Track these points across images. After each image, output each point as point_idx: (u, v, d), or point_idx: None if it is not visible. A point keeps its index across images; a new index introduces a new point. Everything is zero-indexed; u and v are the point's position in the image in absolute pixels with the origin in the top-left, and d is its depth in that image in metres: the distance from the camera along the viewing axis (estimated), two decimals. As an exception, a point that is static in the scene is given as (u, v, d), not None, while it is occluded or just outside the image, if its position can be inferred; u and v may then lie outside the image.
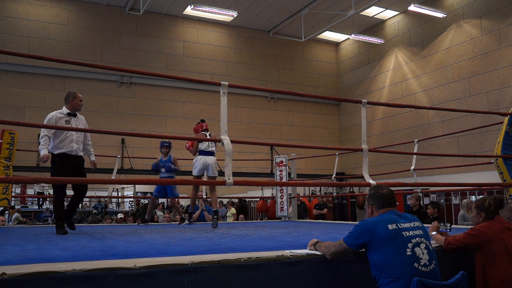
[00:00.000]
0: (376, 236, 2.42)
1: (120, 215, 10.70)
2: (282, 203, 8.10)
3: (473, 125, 10.98)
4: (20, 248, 3.08)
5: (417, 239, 2.44)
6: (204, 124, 6.39)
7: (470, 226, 3.77)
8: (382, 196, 2.65)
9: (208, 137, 6.19)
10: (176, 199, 7.06)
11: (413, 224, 2.52)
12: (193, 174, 6.09)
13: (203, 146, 6.16)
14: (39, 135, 4.53)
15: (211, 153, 6.21)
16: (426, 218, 7.04)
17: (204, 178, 6.10)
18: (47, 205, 14.06)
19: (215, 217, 5.79)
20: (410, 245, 2.40)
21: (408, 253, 2.37)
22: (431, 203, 7.53)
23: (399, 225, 2.46)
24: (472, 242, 2.98)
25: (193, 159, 6.22)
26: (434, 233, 3.19)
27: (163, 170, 6.40)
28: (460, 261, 3.07)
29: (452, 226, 3.79)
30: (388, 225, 2.45)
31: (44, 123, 4.43)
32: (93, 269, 2.00)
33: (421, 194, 10.24)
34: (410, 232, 2.45)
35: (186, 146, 6.44)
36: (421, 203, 11.01)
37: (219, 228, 5.78)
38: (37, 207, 14.46)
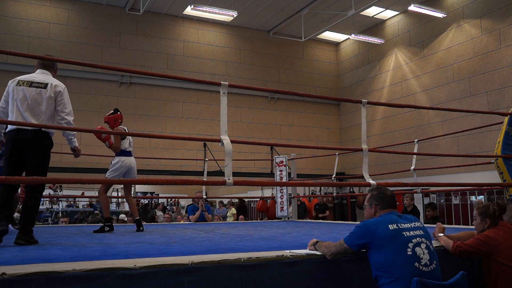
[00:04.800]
0: (377, 236, 2.43)
1: (123, 216, 10.70)
2: (282, 203, 8.10)
3: (473, 125, 10.98)
4: (20, 248, 3.08)
5: (417, 239, 2.44)
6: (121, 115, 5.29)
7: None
8: (387, 197, 2.68)
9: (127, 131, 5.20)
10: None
11: (414, 224, 2.54)
12: (109, 176, 5.10)
13: (125, 144, 5.18)
14: None
15: (131, 154, 5.27)
16: (425, 220, 7.04)
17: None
18: (47, 205, 14.05)
19: (141, 228, 5.13)
20: (410, 245, 2.40)
21: (408, 253, 2.38)
22: (429, 204, 7.52)
23: (399, 225, 2.48)
24: (481, 248, 2.98)
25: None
26: (441, 235, 3.19)
27: None
28: (462, 261, 3.07)
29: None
30: (389, 225, 2.46)
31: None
32: (93, 269, 1.99)
33: (421, 194, 10.26)
34: (411, 232, 2.47)
35: (108, 143, 5.09)
36: (422, 203, 11.04)
37: (219, 228, 5.78)
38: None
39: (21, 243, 3.26)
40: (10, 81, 3.61)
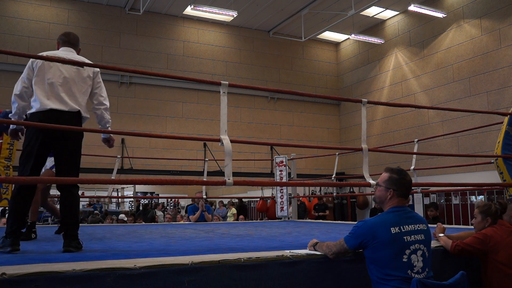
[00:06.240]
0: (377, 238, 2.41)
1: (123, 217, 10.70)
2: (282, 203, 8.09)
3: (473, 125, 10.97)
4: (20, 248, 3.08)
5: (416, 245, 2.42)
6: None
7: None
8: (405, 184, 2.53)
9: None
10: None
11: (418, 226, 2.48)
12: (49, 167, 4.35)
13: None
14: None
15: None
16: (426, 219, 7.04)
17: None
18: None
19: (33, 230, 4.04)
20: (407, 251, 2.39)
21: (404, 260, 2.38)
22: (432, 204, 7.53)
23: (402, 229, 2.43)
24: (479, 247, 2.98)
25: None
26: (441, 235, 3.19)
27: None
28: (462, 261, 3.07)
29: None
30: (391, 228, 2.41)
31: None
32: (93, 269, 2.00)
33: (421, 194, 10.25)
34: (412, 236, 2.43)
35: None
36: (422, 202, 11.04)
37: (219, 228, 5.77)
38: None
39: (71, 250, 2.79)
40: (32, 59, 3.06)
